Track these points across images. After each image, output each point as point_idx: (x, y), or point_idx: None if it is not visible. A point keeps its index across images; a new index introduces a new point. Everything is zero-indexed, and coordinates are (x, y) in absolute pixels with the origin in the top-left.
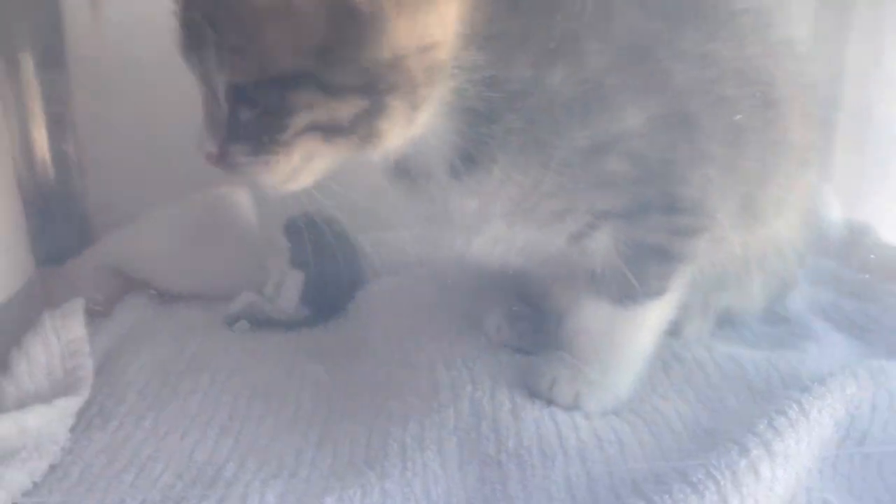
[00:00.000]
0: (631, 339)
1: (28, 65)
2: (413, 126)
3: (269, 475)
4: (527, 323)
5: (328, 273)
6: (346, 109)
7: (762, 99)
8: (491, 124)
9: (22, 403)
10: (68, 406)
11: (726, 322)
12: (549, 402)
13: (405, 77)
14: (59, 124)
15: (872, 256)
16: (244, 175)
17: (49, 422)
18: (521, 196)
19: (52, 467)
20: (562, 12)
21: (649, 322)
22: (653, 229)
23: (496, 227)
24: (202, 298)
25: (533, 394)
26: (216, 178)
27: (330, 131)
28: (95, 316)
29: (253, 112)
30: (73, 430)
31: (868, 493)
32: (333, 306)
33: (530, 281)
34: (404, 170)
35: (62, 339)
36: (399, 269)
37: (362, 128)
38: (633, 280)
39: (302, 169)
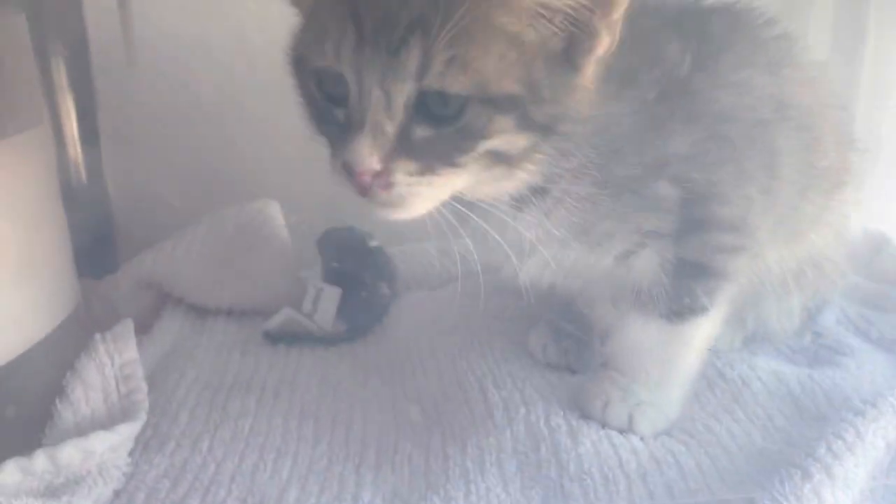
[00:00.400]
0: (678, 355)
1: (62, 84)
2: (547, 156)
3: (332, 498)
4: (572, 341)
5: (363, 287)
6: (522, 142)
7: (797, 123)
8: (573, 158)
9: (80, 428)
10: (129, 431)
11: (762, 337)
12: (603, 423)
13: (570, 121)
14: (91, 142)
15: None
16: (378, 198)
17: (111, 447)
18: (578, 221)
19: (117, 493)
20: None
21: (696, 338)
22: (697, 247)
23: (548, 250)
24: (237, 313)
25: (585, 415)
26: (247, 193)
27: (497, 160)
28: (136, 333)
29: (432, 129)
30: (131, 453)
31: None
32: (370, 321)
33: (575, 300)
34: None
35: (115, 363)
36: (427, 282)
37: (523, 161)
38: (678, 297)
39: (439, 195)
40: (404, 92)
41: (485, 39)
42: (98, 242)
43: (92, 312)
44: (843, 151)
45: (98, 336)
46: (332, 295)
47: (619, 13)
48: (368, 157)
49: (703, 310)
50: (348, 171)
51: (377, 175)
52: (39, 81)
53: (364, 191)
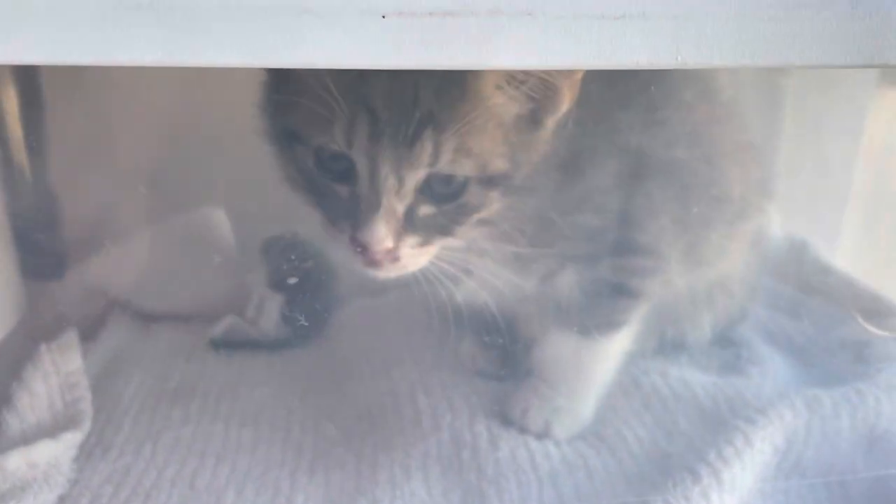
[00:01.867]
0: (594, 367)
1: (6, 85)
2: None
3: (266, 502)
4: (498, 352)
5: (306, 294)
6: (499, 206)
7: (706, 159)
8: (528, 201)
9: (25, 436)
10: (73, 439)
11: (679, 346)
12: (523, 429)
13: (536, 174)
14: (37, 146)
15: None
16: (383, 268)
17: (55, 455)
18: (513, 249)
19: (62, 498)
20: None
21: (610, 352)
22: (614, 270)
23: (483, 274)
24: (182, 319)
25: (506, 421)
26: (192, 200)
27: (481, 224)
28: (81, 339)
29: (434, 207)
30: (75, 460)
31: None
32: (313, 327)
33: (503, 315)
34: None
35: (61, 372)
36: (373, 290)
37: (496, 221)
38: (595, 313)
39: (430, 257)
40: (417, 178)
41: (482, 124)
42: (43, 248)
43: (38, 317)
44: (749, 184)
45: (43, 346)
46: (274, 300)
47: (581, 73)
48: (385, 238)
49: (617, 325)
50: (360, 245)
51: (388, 251)
52: None
53: (375, 264)
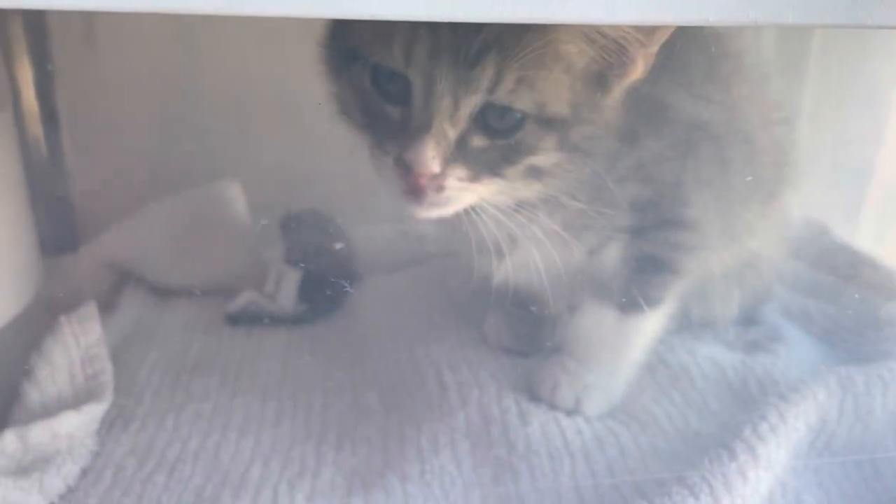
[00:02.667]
0: (629, 345)
1: (21, 60)
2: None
3: (294, 476)
4: (525, 327)
5: (324, 269)
6: (555, 159)
7: (743, 136)
8: (585, 170)
9: (47, 408)
10: (95, 411)
11: (707, 324)
12: (552, 406)
13: (596, 139)
14: (52, 121)
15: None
16: (427, 198)
17: (78, 427)
18: (563, 219)
19: (85, 471)
20: None
21: (646, 330)
22: (658, 244)
23: (526, 245)
24: (199, 294)
25: (535, 398)
26: (209, 173)
27: (532, 173)
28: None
29: (488, 140)
30: (98, 432)
31: (835, 486)
32: (331, 303)
33: (530, 290)
34: None
35: (81, 345)
36: (386, 265)
37: (549, 175)
38: (634, 289)
39: (473, 198)
40: (473, 103)
41: (549, 63)
42: (58, 221)
43: (55, 291)
44: (781, 163)
45: (63, 318)
46: (293, 277)
47: (657, 46)
48: (431, 161)
49: (655, 302)
50: (405, 168)
51: (433, 177)
52: (2, 61)
53: (418, 190)
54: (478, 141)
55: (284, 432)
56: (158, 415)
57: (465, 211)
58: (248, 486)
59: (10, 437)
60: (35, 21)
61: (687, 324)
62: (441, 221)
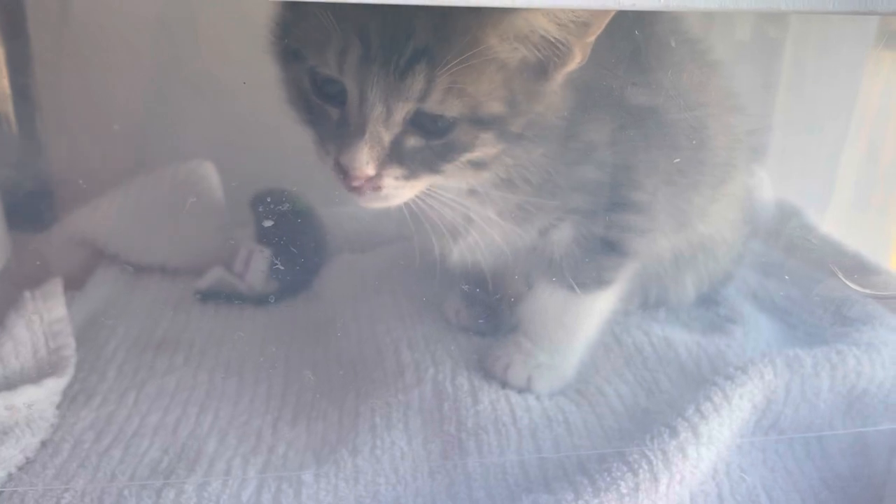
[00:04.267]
0: (580, 324)
1: None
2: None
3: (248, 451)
4: (482, 307)
5: (294, 249)
6: (496, 150)
7: (694, 122)
8: (533, 154)
9: (9, 381)
10: (56, 385)
11: (662, 305)
12: (504, 383)
13: (539, 126)
14: (24, 97)
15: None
16: (365, 196)
17: (38, 401)
18: (517, 201)
19: (44, 443)
20: None
21: (597, 309)
22: (609, 225)
23: (481, 226)
24: (170, 271)
25: (489, 375)
26: (182, 152)
27: (473, 166)
28: (68, 289)
29: (422, 141)
30: (59, 406)
31: (780, 464)
32: (300, 282)
33: (490, 270)
34: None
35: (45, 320)
36: (357, 245)
37: (493, 164)
38: (586, 270)
39: (415, 192)
40: (405, 110)
41: (480, 67)
42: (30, 199)
43: (23, 268)
44: (731, 150)
45: (27, 293)
46: (263, 255)
47: (594, 37)
48: (365, 165)
49: (606, 283)
50: (342, 170)
51: (369, 179)
52: None
53: (355, 190)
54: (413, 142)
55: (243, 408)
56: (121, 390)
57: (418, 196)
58: (202, 460)
59: None
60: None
61: (643, 304)
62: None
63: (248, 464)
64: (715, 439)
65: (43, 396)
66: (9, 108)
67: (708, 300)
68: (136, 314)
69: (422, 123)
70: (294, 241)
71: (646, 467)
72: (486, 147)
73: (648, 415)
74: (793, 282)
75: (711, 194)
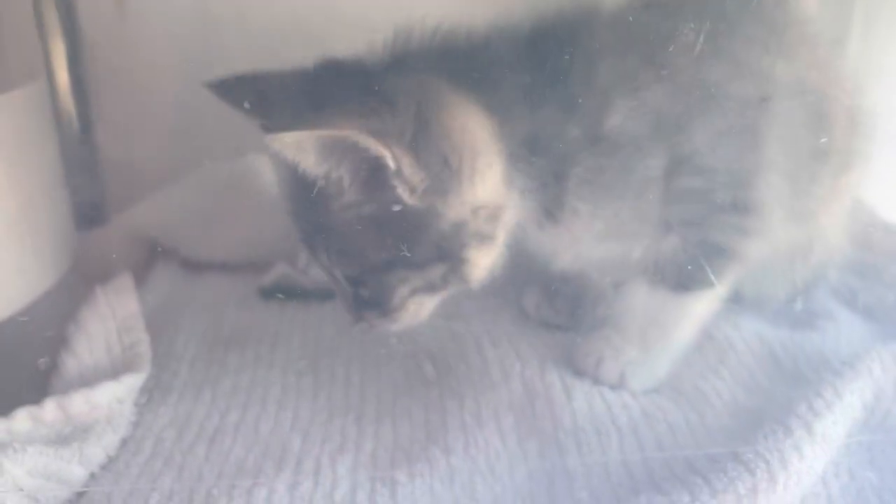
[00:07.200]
0: (677, 324)
1: (54, 34)
2: (497, 247)
3: (335, 449)
4: (565, 301)
5: None
6: (434, 273)
7: (812, 109)
8: (561, 183)
9: (84, 378)
10: (134, 381)
11: (755, 301)
12: (595, 380)
13: (472, 233)
14: (82, 95)
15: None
16: (377, 328)
17: (118, 397)
18: (606, 225)
19: (124, 441)
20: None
21: (697, 311)
22: (720, 229)
23: (578, 250)
24: (230, 267)
25: (578, 372)
26: (240, 146)
27: (429, 289)
28: None
29: (368, 290)
30: (136, 403)
31: (888, 464)
32: None
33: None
34: None
35: (117, 316)
36: None
37: (453, 279)
38: (689, 271)
39: (419, 314)
40: (338, 275)
41: (351, 235)
42: (89, 195)
43: (89, 263)
44: (852, 134)
45: (99, 288)
46: None
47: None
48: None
49: (709, 285)
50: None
51: (361, 321)
52: (36, 35)
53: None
54: (364, 292)
55: (322, 405)
56: (195, 387)
57: None
58: (289, 458)
59: (51, 407)
60: None
61: (735, 299)
62: None
63: (335, 462)
64: (829, 438)
65: (122, 393)
66: (70, 105)
67: (792, 295)
68: (199, 311)
69: (361, 281)
70: None
71: (763, 467)
72: (414, 280)
73: (749, 413)
74: (873, 278)
75: (832, 183)
